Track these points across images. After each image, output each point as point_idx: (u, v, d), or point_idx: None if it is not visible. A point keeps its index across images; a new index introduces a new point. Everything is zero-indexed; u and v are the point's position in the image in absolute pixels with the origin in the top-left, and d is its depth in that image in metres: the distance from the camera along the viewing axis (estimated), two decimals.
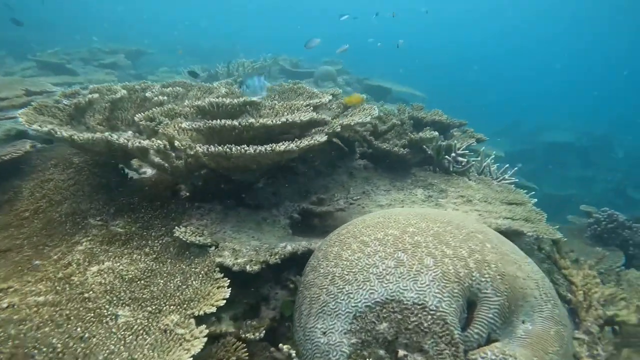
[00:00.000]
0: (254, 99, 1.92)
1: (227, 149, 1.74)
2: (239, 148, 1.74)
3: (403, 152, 2.82)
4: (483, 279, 1.46)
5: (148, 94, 2.55)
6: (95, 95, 2.38)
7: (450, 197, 2.72)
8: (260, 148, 1.76)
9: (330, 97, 2.67)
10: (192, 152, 1.86)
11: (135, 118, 2.17)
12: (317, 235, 2.22)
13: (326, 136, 2.05)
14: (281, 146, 1.80)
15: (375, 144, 2.90)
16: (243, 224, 2.09)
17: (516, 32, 35.50)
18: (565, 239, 3.16)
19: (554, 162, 13.38)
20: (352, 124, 2.34)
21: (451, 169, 3.01)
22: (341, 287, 1.51)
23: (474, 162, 3.14)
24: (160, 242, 1.91)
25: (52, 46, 8.41)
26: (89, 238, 1.90)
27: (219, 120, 1.89)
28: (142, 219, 2.08)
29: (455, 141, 3.03)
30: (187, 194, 2.30)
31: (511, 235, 2.21)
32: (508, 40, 35.61)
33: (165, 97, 2.53)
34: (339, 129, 2.20)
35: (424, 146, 3.06)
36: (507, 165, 3.41)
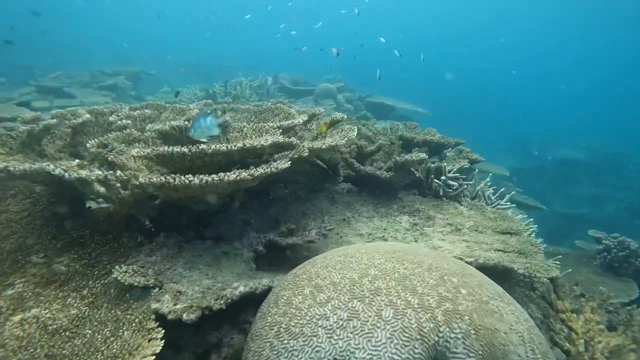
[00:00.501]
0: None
1: (170, 180, 1.55)
2: (182, 179, 1.56)
3: (386, 175, 2.61)
4: (453, 335, 1.22)
5: (111, 118, 2.40)
6: (53, 121, 2.24)
7: (437, 225, 2.48)
8: (207, 178, 1.58)
9: (306, 118, 2.49)
10: (137, 183, 1.69)
11: (87, 145, 2.02)
12: (287, 269, 2.01)
13: (289, 162, 1.86)
14: (231, 176, 1.61)
15: (356, 167, 2.70)
16: (199, 259, 1.89)
17: (521, 44, 35.24)
18: (570, 269, 2.88)
19: (564, 179, 12.97)
20: (324, 147, 2.15)
21: (441, 193, 2.78)
22: (286, 342, 1.28)
23: (466, 185, 2.91)
24: (101, 282, 1.72)
25: (55, 71, 8.49)
26: (24, 279, 1.72)
27: (167, 147, 1.71)
28: (89, 254, 1.90)
29: (446, 163, 2.81)
30: (147, 224, 2.13)
31: (501, 271, 1.97)
32: (513, 53, 35.34)
33: (130, 121, 2.38)
34: (306, 154, 2.01)
35: (412, 169, 2.84)
36: (504, 189, 3.17)
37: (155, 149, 1.73)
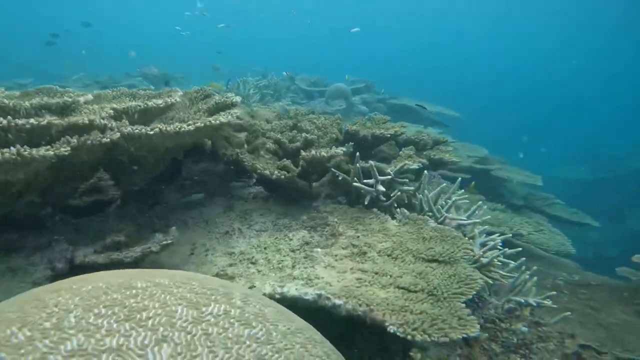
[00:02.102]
0: None
1: None
2: None
3: (278, 175, 1.94)
4: None
5: None
6: None
7: (337, 245, 1.77)
8: None
9: (175, 100, 1.92)
10: None
11: None
12: None
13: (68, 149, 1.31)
14: None
15: (246, 163, 2.07)
16: None
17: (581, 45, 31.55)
18: (592, 309, 2.03)
19: None
20: (151, 133, 1.56)
21: (366, 202, 2.05)
22: None
23: (412, 192, 2.15)
24: None
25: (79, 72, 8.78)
26: None
27: None
28: None
29: (373, 162, 2.08)
30: None
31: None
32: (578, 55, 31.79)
33: None
34: (107, 140, 1.44)
35: (332, 169, 2.15)
36: (480, 202, 2.35)
37: None
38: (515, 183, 6.45)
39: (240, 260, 1.72)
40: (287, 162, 2.04)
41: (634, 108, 24.60)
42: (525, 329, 1.86)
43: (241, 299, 1.05)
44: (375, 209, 2.07)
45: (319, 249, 1.74)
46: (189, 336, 0.83)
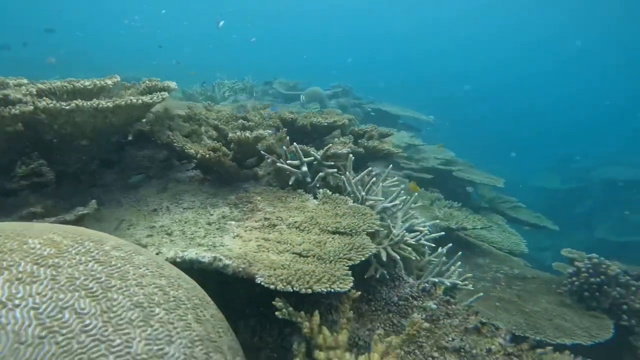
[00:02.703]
0: None
1: None
2: None
3: (203, 154, 2.04)
4: None
5: None
6: None
7: (253, 219, 1.87)
8: None
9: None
10: None
11: None
12: None
13: None
14: None
15: (175, 143, 2.17)
16: None
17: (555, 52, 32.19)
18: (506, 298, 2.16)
19: (614, 202, 11.18)
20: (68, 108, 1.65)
21: (290, 182, 2.15)
22: None
23: (335, 174, 2.26)
24: None
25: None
26: None
27: None
28: None
29: (296, 145, 2.18)
30: None
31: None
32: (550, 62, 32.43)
33: None
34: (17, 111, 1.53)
35: (262, 152, 2.25)
36: (416, 194, 2.47)
37: None
38: (484, 187, 6.60)
39: (158, 232, 1.81)
40: (218, 144, 2.14)
41: (611, 114, 25.21)
42: (434, 306, 1.96)
43: (113, 246, 1.14)
44: (300, 190, 2.17)
45: (233, 222, 1.83)
46: (35, 266, 0.92)
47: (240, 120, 2.73)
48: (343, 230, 1.72)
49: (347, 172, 2.18)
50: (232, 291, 1.61)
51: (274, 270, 1.31)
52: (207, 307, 1.15)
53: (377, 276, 1.88)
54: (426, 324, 1.81)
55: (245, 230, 1.75)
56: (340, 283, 1.29)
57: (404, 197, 2.33)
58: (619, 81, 28.91)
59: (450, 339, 1.83)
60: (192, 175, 2.41)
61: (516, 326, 2.39)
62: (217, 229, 1.77)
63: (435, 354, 1.78)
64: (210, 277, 1.41)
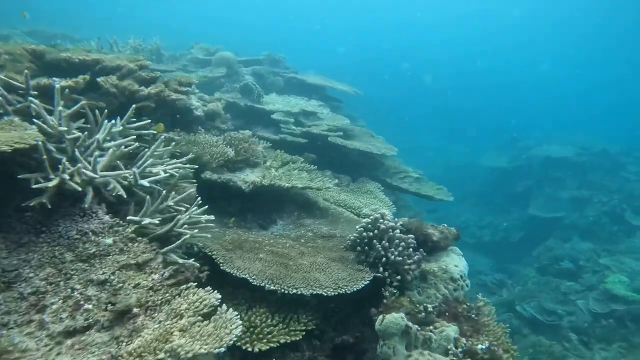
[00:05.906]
0: None
1: None
2: None
3: None
4: None
5: None
6: None
7: None
8: None
9: None
10: None
11: None
12: None
13: None
14: None
15: None
16: None
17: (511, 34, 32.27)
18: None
19: (549, 180, 11.36)
20: None
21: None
22: None
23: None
24: None
25: None
26: None
27: None
28: None
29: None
30: None
31: None
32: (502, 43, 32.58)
33: None
34: None
35: None
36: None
37: None
38: (394, 160, 6.57)
39: None
40: None
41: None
42: (110, 241, 1.90)
43: None
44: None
45: None
46: None
47: None
48: None
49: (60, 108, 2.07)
50: None
51: None
52: None
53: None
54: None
55: None
56: None
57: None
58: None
59: (101, 273, 1.78)
60: None
61: (256, 276, 2.35)
62: None
63: (78, 286, 1.73)
64: None
